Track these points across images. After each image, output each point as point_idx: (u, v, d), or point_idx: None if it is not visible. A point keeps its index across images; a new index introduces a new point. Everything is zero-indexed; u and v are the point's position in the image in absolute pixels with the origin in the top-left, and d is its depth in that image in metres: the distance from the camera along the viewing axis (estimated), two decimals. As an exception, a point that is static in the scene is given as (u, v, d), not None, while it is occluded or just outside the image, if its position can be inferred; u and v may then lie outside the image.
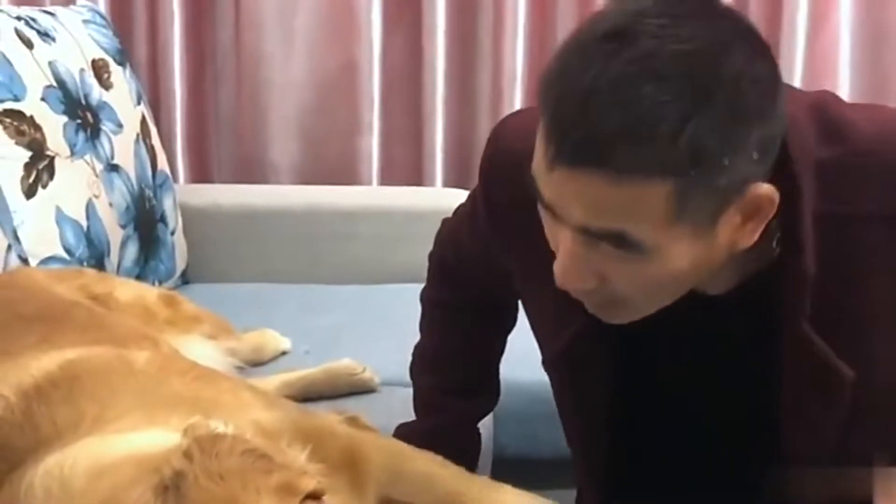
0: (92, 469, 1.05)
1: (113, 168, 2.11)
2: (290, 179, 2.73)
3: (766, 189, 1.08)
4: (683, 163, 1.01)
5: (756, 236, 1.11)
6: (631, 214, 1.04)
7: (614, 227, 1.05)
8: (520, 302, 1.44)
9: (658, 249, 1.07)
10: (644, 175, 1.02)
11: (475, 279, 1.49)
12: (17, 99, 1.88)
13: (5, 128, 1.84)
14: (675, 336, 1.25)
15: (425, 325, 1.56)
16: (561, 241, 1.10)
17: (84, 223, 1.96)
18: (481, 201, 1.37)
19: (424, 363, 1.54)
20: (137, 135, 2.24)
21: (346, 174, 2.71)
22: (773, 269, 1.17)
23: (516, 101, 2.65)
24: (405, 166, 2.75)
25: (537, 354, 1.38)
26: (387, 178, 2.74)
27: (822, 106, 1.19)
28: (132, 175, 2.18)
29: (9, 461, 1.13)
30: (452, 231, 1.54)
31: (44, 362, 1.23)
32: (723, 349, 1.26)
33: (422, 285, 1.59)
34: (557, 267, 1.12)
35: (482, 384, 1.56)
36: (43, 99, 1.95)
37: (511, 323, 1.57)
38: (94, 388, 1.18)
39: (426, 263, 1.60)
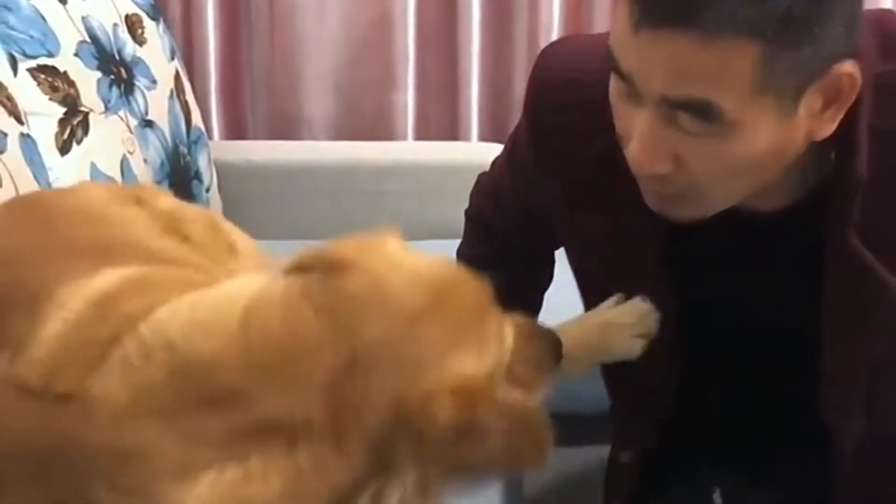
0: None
1: (147, 124, 2.11)
2: (324, 135, 2.72)
3: (849, 67, 1.06)
4: (774, 25, 0.99)
5: (833, 126, 1.09)
6: (716, 80, 1.02)
7: (698, 96, 1.03)
8: (557, 251, 1.44)
9: (739, 124, 1.05)
10: (733, 35, 0.99)
11: (513, 230, 1.48)
12: (50, 55, 1.88)
13: (39, 84, 1.83)
14: (724, 257, 1.25)
15: None
16: (637, 122, 1.09)
17: (119, 179, 1.96)
18: (526, 128, 1.36)
19: None
20: (171, 90, 2.23)
21: (381, 129, 2.70)
22: (826, 185, 1.16)
23: (553, 54, 2.62)
24: (440, 121, 2.73)
25: (575, 309, 1.37)
26: (422, 133, 2.72)
27: (885, 20, 1.17)
28: (166, 131, 2.17)
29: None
30: (491, 180, 1.53)
31: (106, 276, 1.10)
32: (771, 270, 1.25)
33: (458, 241, 1.58)
34: (633, 149, 1.10)
35: None
36: (76, 54, 1.94)
37: (548, 279, 1.56)
38: (162, 284, 1.09)
39: (462, 219, 1.58)
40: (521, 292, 1.52)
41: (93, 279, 1.07)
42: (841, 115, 1.09)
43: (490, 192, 1.53)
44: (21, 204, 1.39)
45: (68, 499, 1.00)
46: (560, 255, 1.46)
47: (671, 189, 1.13)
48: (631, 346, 1.31)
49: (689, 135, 1.07)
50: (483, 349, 0.99)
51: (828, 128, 1.10)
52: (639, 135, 1.09)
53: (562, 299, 1.43)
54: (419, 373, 0.95)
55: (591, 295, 1.37)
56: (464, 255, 1.55)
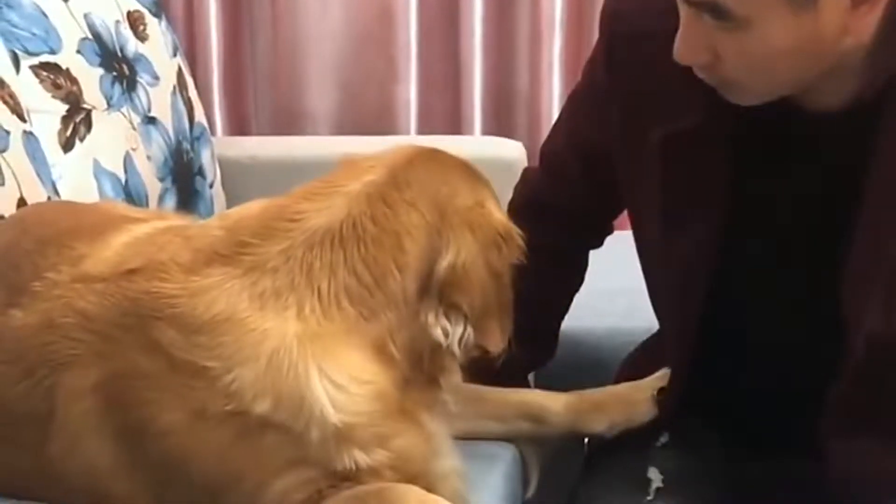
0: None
1: (150, 120, 2.11)
2: (327, 130, 2.72)
3: None
4: None
5: (870, 25, 1.13)
6: None
7: None
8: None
9: (751, 20, 1.12)
10: None
11: (568, 193, 1.52)
12: (52, 52, 1.88)
13: (41, 81, 1.83)
14: (777, 154, 1.29)
15: None
16: (681, 18, 1.18)
17: (122, 176, 1.96)
18: (603, 42, 1.43)
19: None
20: (174, 87, 2.23)
21: (384, 123, 2.69)
22: (887, 87, 1.19)
23: (556, 46, 2.62)
24: (443, 114, 2.72)
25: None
26: (425, 127, 2.72)
27: None
28: (169, 127, 2.17)
29: None
30: (545, 154, 1.59)
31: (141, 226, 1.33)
32: (822, 170, 1.28)
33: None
34: (676, 41, 1.19)
35: (542, 335, 1.57)
36: (79, 51, 1.94)
37: (579, 282, 1.58)
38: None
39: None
40: (552, 285, 1.56)
41: (134, 227, 1.31)
42: (877, 11, 1.12)
43: (544, 166, 1.58)
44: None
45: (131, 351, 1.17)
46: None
47: (717, 79, 1.21)
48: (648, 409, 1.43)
49: (715, 29, 1.15)
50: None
51: (865, 24, 1.13)
52: (681, 29, 1.19)
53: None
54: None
55: (649, 245, 1.42)
56: None
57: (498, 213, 1.29)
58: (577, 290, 1.62)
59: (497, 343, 1.27)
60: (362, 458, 1.15)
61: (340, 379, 1.14)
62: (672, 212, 1.35)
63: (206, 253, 1.20)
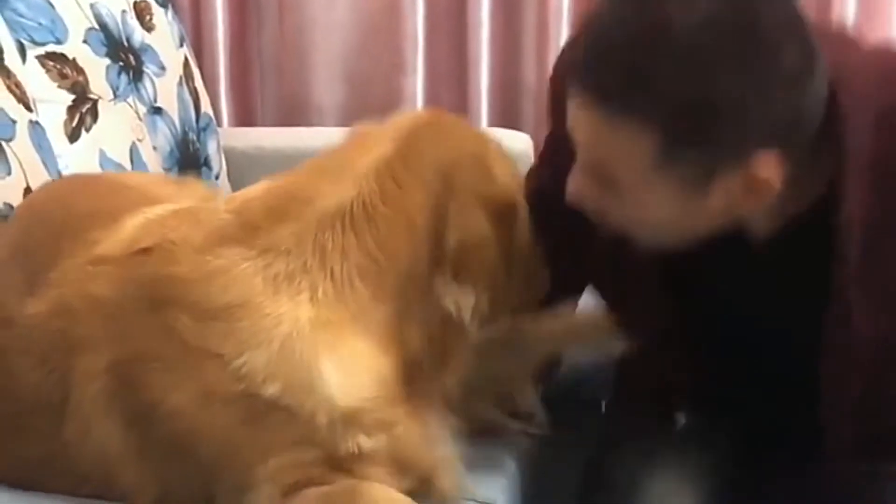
0: None
1: (156, 111, 2.10)
2: (333, 121, 2.71)
3: (767, 172, 1.06)
4: (674, 117, 1.02)
5: (758, 208, 1.11)
6: (616, 155, 1.08)
7: (600, 161, 1.10)
8: None
9: (637, 194, 1.09)
10: (635, 122, 1.04)
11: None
12: (59, 42, 1.87)
13: (48, 71, 1.83)
14: (722, 273, 1.25)
15: None
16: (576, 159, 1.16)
17: (128, 166, 1.96)
18: (550, 103, 1.39)
19: None
20: (180, 77, 2.23)
21: (391, 115, 2.68)
22: (821, 210, 1.15)
23: (563, 39, 2.61)
24: (450, 107, 2.71)
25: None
26: (431, 120, 2.71)
27: (886, 52, 1.16)
28: (175, 118, 2.17)
29: None
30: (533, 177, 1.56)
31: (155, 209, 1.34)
32: (766, 289, 1.25)
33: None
34: (568, 179, 1.17)
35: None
36: (85, 41, 1.94)
37: None
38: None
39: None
40: None
41: (148, 210, 1.32)
42: (764, 203, 1.10)
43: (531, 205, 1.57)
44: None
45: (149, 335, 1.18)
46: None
47: (608, 224, 1.18)
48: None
49: (597, 184, 1.13)
50: None
51: (751, 209, 1.11)
52: (573, 170, 1.16)
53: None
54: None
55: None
56: None
57: (504, 181, 1.29)
58: None
59: (510, 314, 1.28)
60: (365, 443, 1.16)
61: (349, 365, 1.16)
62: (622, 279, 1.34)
63: (218, 234, 1.21)
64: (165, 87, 2.16)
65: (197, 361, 1.16)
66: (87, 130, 1.88)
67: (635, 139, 1.05)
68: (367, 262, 1.19)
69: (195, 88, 2.29)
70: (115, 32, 2.04)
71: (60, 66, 1.86)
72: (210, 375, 1.15)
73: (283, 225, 1.21)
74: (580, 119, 1.11)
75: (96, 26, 1.98)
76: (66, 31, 1.90)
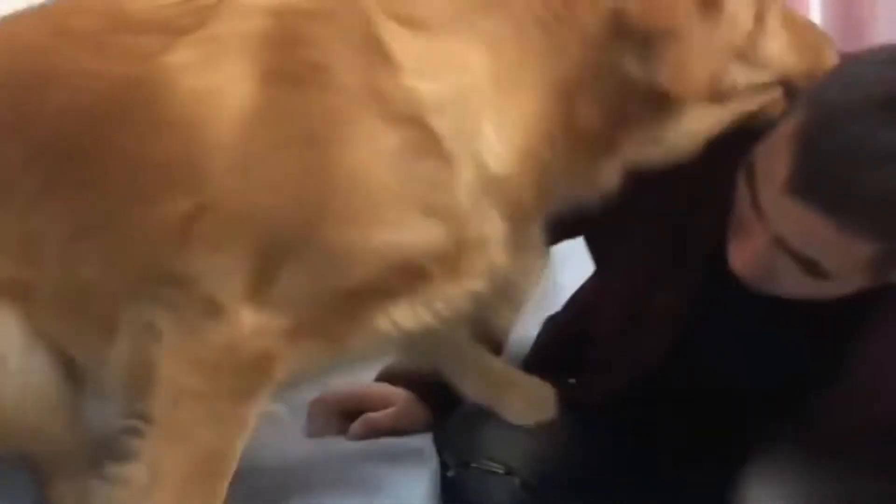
0: None
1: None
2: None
3: None
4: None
5: None
6: (833, 254, 1.15)
7: (811, 255, 1.16)
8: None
9: (837, 279, 1.18)
10: (864, 236, 1.13)
11: None
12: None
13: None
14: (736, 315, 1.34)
15: None
16: (754, 238, 1.20)
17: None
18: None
19: None
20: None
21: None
22: None
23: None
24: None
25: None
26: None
27: None
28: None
29: None
30: None
31: None
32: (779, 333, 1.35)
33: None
34: (742, 256, 1.22)
35: None
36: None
37: None
38: None
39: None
40: None
41: None
42: None
43: None
44: None
45: None
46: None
47: (759, 283, 1.24)
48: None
49: (793, 270, 1.19)
50: None
51: None
52: (752, 249, 1.21)
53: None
54: None
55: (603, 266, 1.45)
56: None
57: None
58: None
59: (689, 80, 1.15)
60: (490, 228, 1.15)
61: (510, 134, 1.13)
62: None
63: None
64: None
65: (373, 61, 1.12)
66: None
67: (859, 247, 1.14)
68: (544, 12, 1.15)
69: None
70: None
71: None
72: (383, 82, 1.11)
73: None
74: (798, 218, 1.15)
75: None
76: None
